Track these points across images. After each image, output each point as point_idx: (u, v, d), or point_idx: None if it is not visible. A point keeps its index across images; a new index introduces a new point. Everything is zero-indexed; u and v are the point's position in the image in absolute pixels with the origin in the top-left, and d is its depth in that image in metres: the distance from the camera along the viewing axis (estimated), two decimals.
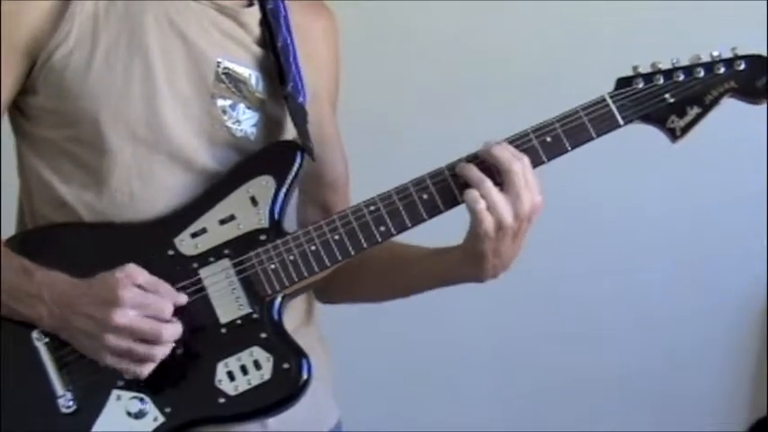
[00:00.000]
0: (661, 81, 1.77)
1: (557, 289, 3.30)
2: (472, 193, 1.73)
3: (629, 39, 3.14)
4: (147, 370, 1.69)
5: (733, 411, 3.40)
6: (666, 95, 1.77)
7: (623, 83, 1.78)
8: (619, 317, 3.36)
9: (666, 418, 3.36)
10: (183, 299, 1.72)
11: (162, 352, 1.69)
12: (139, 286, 1.69)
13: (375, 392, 3.22)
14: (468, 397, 3.36)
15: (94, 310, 1.68)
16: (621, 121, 1.77)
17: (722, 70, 1.77)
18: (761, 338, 3.36)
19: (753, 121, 3.02)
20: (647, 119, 1.78)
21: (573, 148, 1.76)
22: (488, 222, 1.73)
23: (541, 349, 3.34)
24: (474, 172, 1.74)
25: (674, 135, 1.78)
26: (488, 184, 1.73)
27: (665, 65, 1.78)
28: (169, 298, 1.71)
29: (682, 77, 1.77)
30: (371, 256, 1.80)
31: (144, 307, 1.68)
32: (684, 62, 1.78)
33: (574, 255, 3.30)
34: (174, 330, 1.70)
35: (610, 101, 1.77)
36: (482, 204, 1.72)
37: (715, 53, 1.78)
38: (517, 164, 1.73)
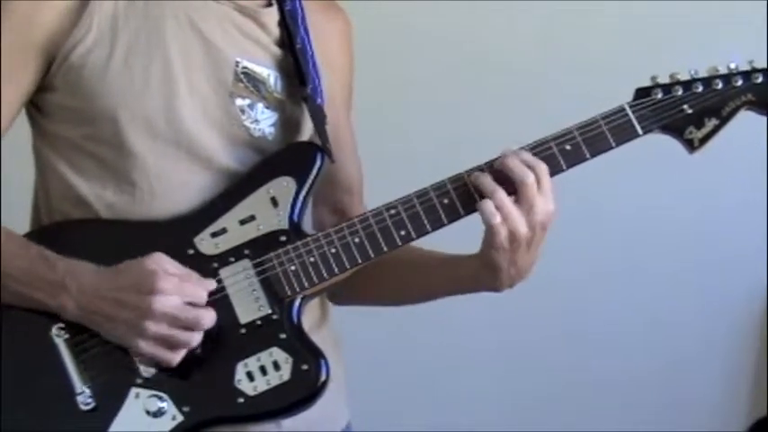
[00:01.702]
0: (680, 92, 1.79)
1: (559, 291, 3.29)
2: (488, 205, 1.73)
3: (630, 39, 3.15)
4: (178, 357, 1.70)
5: (733, 411, 3.41)
6: (685, 106, 1.79)
7: (642, 93, 1.79)
8: (619, 318, 3.37)
9: (667, 419, 3.37)
10: (212, 284, 1.73)
11: (198, 338, 1.70)
12: (171, 275, 1.70)
13: (381, 394, 3.22)
14: (473, 398, 3.36)
15: (132, 298, 1.68)
16: (641, 131, 1.78)
17: (740, 83, 1.79)
18: (761, 339, 3.37)
19: (753, 123, 3.03)
20: (665, 129, 1.79)
21: (592, 157, 1.78)
22: (503, 234, 1.74)
23: (545, 351, 3.35)
24: (488, 182, 1.75)
25: (691, 146, 1.80)
26: (501, 194, 1.74)
27: (683, 76, 1.79)
28: (201, 285, 1.72)
29: (700, 89, 1.79)
30: (390, 259, 1.81)
31: (183, 294, 1.69)
32: (702, 74, 1.79)
33: (575, 257, 3.29)
34: (211, 316, 1.71)
35: (629, 110, 1.78)
36: (498, 218, 1.73)
37: (732, 65, 1.79)
38: (530, 176, 1.74)
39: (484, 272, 1.80)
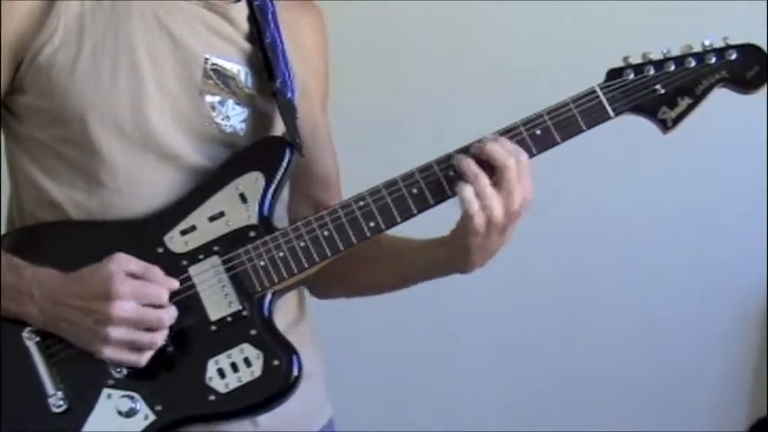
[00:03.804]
0: (652, 72, 1.76)
1: (556, 289, 3.29)
2: (467, 191, 1.72)
3: (630, 40, 3.09)
4: (145, 358, 1.69)
5: (733, 411, 3.39)
6: (657, 86, 1.76)
7: (614, 74, 1.77)
8: (618, 317, 3.35)
9: (666, 418, 3.35)
10: (174, 284, 1.72)
11: (161, 337, 1.69)
12: (132, 275, 1.68)
13: (368, 390, 3.22)
14: (465, 397, 3.35)
15: (91, 304, 1.67)
16: (612, 113, 1.75)
17: (713, 60, 1.76)
18: (761, 338, 3.35)
19: (752, 119, 3.01)
20: (637, 110, 1.76)
21: (563, 141, 1.75)
22: (480, 219, 1.72)
23: (541, 349, 3.33)
24: (471, 166, 1.73)
25: (665, 126, 1.76)
26: (484, 180, 1.72)
27: (655, 55, 1.77)
28: (163, 283, 1.71)
29: (672, 68, 1.76)
30: (362, 248, 1.79)
31: (141, 296, 1.68)
32: (675, 52, 1.77)
33: (574, 254, 3.29)
34: (172, 314, 1.70)
35: (600, 92, 1.76)
36: (477, 205, 1.71)
37: (707, 42, 1.77)
38: (512, 160, 1.72)
39: (455, 255, 1.79)
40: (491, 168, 1.73)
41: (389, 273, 1.93)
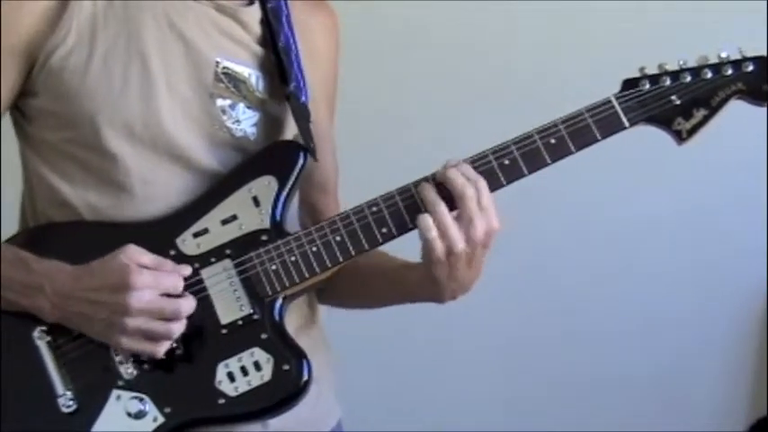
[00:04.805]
0: (668, 83, 1.75)
1: (557, 289, 3.30)
2: (425, 220, 1.71)
3: (630, 39, 3.14)
4: (163, 348, 1.69)
5: (733, 411, 3.40)
6: (673, 97, 1.75)
7: (629, 84, 1.76)
8: (619, 318, 3.36)
9: (667, 418, 3.37)
10: (187, 270, 1.72)
11: (179, 328, 1.69)
12: (144, 266, 1.68)
13: (376, 393, 3.22)
14: (469, 397, 3.36)
15: (106, 297, 1.67)
16: (627, 123, 1.75)
17: (730, 72, 1.75)
18: (761, 338, 3.36)
19: (753, 121, 3.01)
20: (652, 120, 1.76)
21: (578, 150, 1.74)
22: (439, 248, 1.70)
23: (542, 349, 3.34)
24: (430, 194, 1.72)
25: (680, 137, 1.76)
26: (441, 208, 1.71)
27: (671, 66, 1.76)
28: (176, 272, 1.71)
29: (689, 79, 1.75)
30: (354, 262, 1.78)
31: (158, 287, 1.68)
32: (691, 63, 1.76)
33: (574, 255, 3.30)
34: (190, 304, 1.70)
35: (615, 102, 1.75)
36: (434, 232, 1.70)
37: (723, 54, 1.76)
38: (470, 189, 1.70)
39: (425, 284, 1.78)
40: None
41: (370, 291, 1.93)
